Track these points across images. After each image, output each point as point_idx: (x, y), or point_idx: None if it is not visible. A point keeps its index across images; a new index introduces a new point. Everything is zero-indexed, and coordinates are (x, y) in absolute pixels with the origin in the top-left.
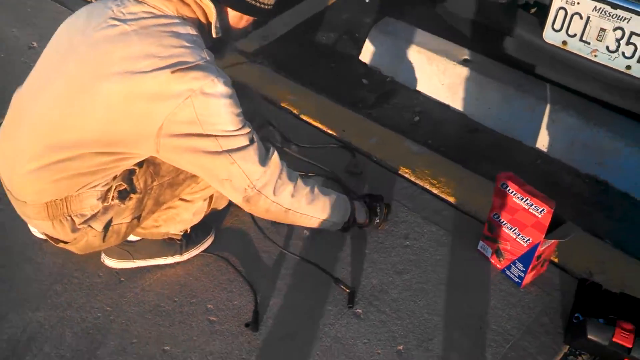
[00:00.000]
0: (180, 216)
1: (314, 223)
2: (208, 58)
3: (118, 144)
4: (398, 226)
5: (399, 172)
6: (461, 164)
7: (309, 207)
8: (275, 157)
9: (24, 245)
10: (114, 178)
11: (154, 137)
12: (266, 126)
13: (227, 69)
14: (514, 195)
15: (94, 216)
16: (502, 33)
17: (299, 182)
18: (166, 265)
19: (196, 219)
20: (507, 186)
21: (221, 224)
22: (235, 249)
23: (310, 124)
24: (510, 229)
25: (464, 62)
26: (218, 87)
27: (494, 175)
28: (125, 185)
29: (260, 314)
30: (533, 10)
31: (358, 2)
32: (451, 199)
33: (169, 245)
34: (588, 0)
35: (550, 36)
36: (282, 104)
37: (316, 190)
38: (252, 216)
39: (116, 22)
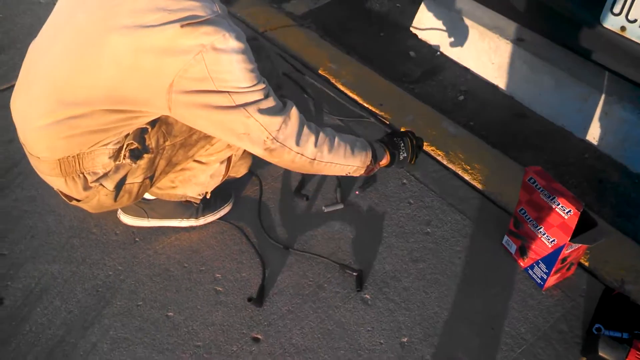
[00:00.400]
0: (196, 178)
1: (338, 170)
2: (220, 12)
3: (129, 101)
4: (421, 211)
5: (431, 154)
6: (501, 150)
7: (332, 155)
8: (294, 109)
9: (48, 196)
10: (126, 136)
11: (165, 94)
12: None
13: (273, 32)
14: (541, 191)
15: (105, 174)
16: (558, 12)
17: (320, 131)
18: (181, 228)
19: (214, 183)
20: (535, 181)
21: (241, 192)
22: (252, 220)
23: (347, 94)
24: (536, 227)
25: (518, 41)
26: (230, 42)
27: (536, 165)
28: (136, 144)
29: (267, 289)
30: None
31: None
32: (482, 187)
33: (186, 207)
34: None
35: (608, 20)
36: (321, 72)
37: (336, 137)
38: (258, 215)
39: None
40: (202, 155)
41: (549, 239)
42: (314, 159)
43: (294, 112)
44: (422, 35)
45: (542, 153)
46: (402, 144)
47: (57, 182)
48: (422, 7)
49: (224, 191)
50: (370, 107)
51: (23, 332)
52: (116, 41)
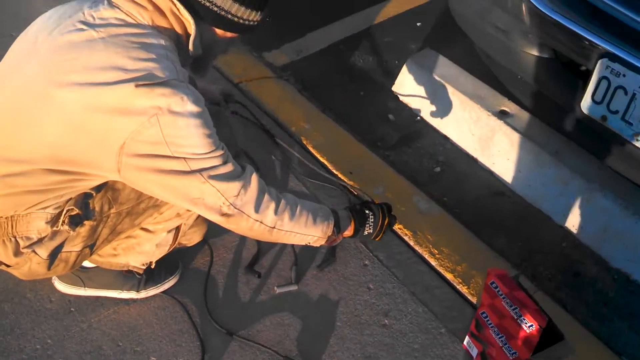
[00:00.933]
0: (141, 246)
1: (298, 240)
2: (179, 75)
3: (74, 162)
4: (380, 299)
5: (399, 232)
6: (474, 231)
7: (292, 223)
8: (254, 175)
9: None
10: (68, 201)
11: (115, 156)
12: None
13: (249, 83)
14: (503, 298)
15: (40, 240)
16: (540, 90)
17: (282, 199)
18: (121, 300)
19: (159, 252)
20: (497, 286)
21: (190, 263)
22: (198, 297)
23: (317, 158)
24: (497, 335)
25: (500, 114)
26: (187, 105)
27: (510, 252)
28: (77, 210)
29: None
30: (579, 69)
31: (408, 24)
32: (449, 276)
33: (127, 278)
34: (636, 74)
35: (589, 107)
36: (294, 130)
37: (298, 205)
38: (204, 293)
39: (84, 27)
40: (149, 223)
41: (510, 350)
42: (274, 227)
43: (254, 177)
44: (403, 97)
45: (518, 239)
46: (372, 218)
47: None
48: (404, 69)
49: (171, 261)
50: (340, 175)
51: None
52: (64, 97)
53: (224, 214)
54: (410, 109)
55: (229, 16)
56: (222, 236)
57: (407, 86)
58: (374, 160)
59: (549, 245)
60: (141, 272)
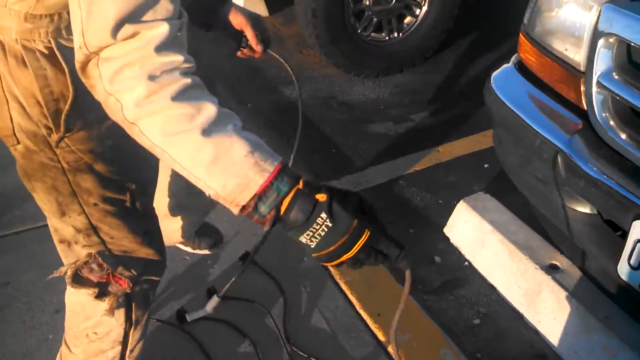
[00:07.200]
0: None
1: (187, 175)
2: None
3: None
4: None
5: None
6: None
7: (170, 140)
8: (164, 26)
9: None
10: None
11: None
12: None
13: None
14: None
15: None
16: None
17: (189, 92)
18: None
19: None
20: None
21: None
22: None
23: (346, 295)
24: None
25: (550, 268)
26: None
27: None
28: None
29: None
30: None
31: (475, 165)
32: None
33: None
34: None
35: (625, 272)
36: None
37: (217, 121)
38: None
39: None
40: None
41: None
42: (133, 123)
43: (162, 28)
44: (454, 239)
45: None
46: (328, 223)
47: None
48: (456, 211)
49: None
50: (366, 316)
51: None
52: None
53: (79, 55)
54: (459, 253)
55: None
56: None
57: (458, 229)
58: (409, 303)
59: None
60: None
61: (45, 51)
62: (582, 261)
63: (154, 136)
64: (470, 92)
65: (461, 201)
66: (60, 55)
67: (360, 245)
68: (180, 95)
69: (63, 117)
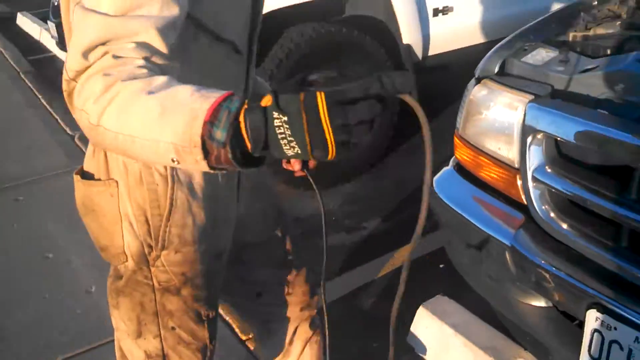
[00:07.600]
0: None
1: (139, 151)
2: None
3: None
4: None
5: None
6: None
7: (125, 117)
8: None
9: None
10: None
11: None
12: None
13: None
14: None
15: None
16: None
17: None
18: None
19: None
20: None
21: None
22: None
23: None
24: None
25: None
26: None
27: None
28: None
29: None
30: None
31: (431, 267)
32: None
33: None
34: (628, 327)
35: None
36: None
37: (159, 87)
38: None
39: None
40: None
41: None
42: (99, 125)
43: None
44: (418, 348)
45: None
46: (283, 117)
47: None
48: (417, 317)
49: None
50: None
51: None
52: None
53: (67, 85)
54: None
55: None
56: None
57: (420, 336)
58: None
59: None
60: None
61: (162, 169)
62: (546, 356)
63: (113, 123)
64: (419, 193)
65: (420, 307)
66: (168, 169)
67: (325, 110)
68: (132, 77)
69: (161, 231)
